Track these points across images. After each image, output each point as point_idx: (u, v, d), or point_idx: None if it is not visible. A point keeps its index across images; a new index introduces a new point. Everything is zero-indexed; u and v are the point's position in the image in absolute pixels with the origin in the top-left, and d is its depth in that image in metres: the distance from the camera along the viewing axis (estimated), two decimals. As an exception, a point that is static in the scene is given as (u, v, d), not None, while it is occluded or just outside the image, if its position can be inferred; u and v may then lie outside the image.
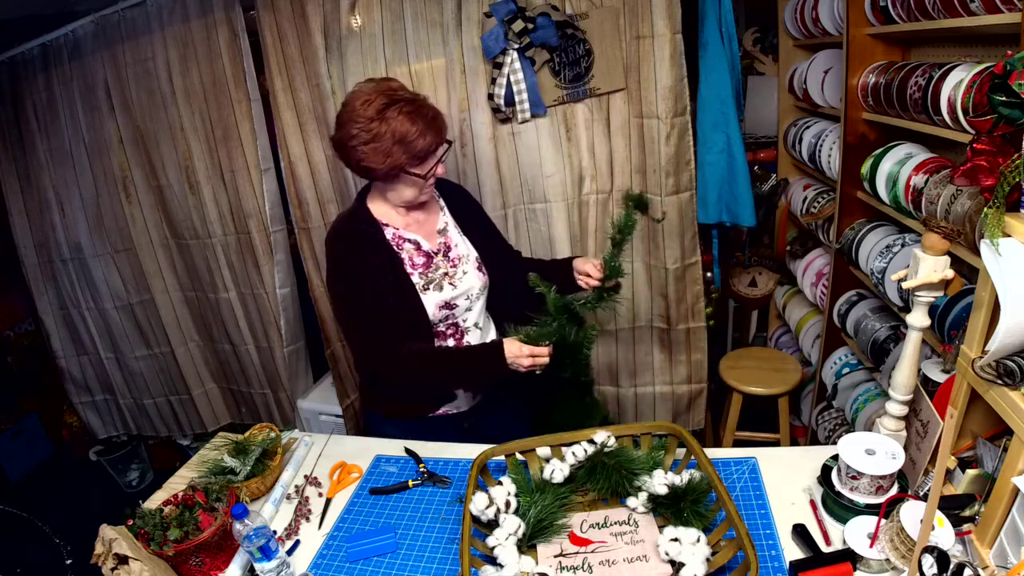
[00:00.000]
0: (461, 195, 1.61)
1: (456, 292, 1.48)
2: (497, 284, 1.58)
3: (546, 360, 1.37)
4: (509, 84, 1.77)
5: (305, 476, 1.49)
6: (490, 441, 1.33)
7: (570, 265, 1.56)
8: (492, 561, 1.07)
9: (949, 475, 1.13)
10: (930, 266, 1.07)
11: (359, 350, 1.49)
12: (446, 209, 1.55)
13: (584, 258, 1.56)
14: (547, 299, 1.45)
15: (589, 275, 1.51)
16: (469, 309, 1.52)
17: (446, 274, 1.47)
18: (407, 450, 1.51)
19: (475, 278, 1.52)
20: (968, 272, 1.44)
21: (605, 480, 1.24)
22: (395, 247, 1.44)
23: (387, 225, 1.45)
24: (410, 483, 1.40)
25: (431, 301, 1.44)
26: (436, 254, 1.48)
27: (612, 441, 1.26)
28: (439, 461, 1.47)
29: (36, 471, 3.28)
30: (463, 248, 1.53)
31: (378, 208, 1.45)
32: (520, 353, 1.36)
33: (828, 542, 1.10)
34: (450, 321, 1.50)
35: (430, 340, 1.48)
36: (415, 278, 1.43)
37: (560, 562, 1.12)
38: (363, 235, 1.42)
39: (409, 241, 1.45)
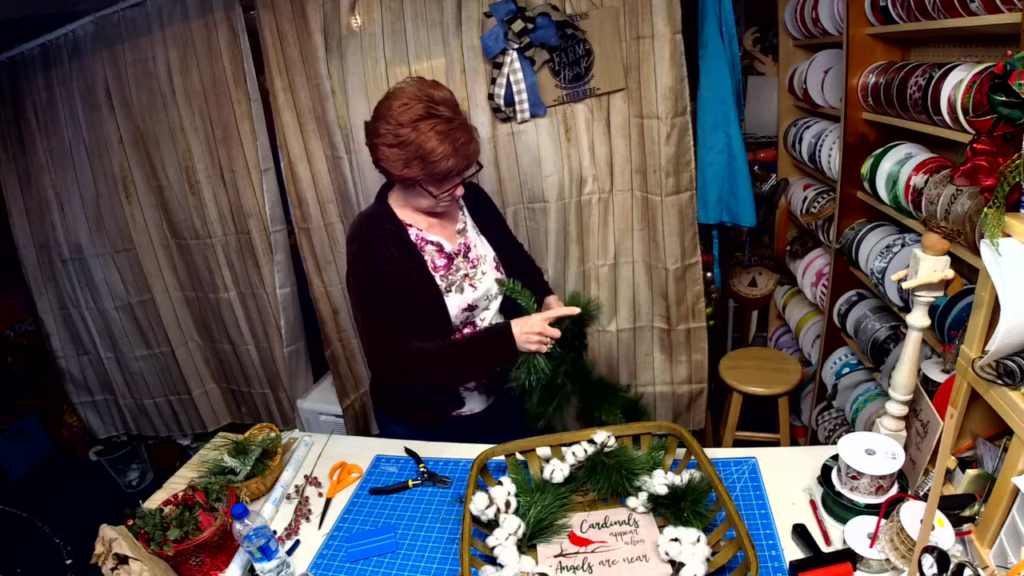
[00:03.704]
0: (479, 194, 1.59)
1: (477, 294, 1.46)
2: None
3: (557, 333, 1.34)
4: (509, 84, 1.77)
5: (305, 476, 1.49)
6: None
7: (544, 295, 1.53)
8: (492, 561, 1.07)
9: (949, 475, 1.13)
10: (930, 266, 1.07)
11: (370, 351, 1.46)
12: (465, 209, 1.54)
13: (558, 306, 1.43)
14: (525, 308, 1.42)
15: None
16: (487, 309, 1.52)
17: (466, 275, 1.46)
18: (407, 450, 1.51)
19: (493, 278, 1.51)
20: (968, 272, 1.44)
21: (605, 480, 1.24)
22: (418, 248, 1.42)
23: (410, 226, 1.42)
24: (410, 483, 1.40)
25: (453, 304, 1.42)
26: (457, 255, 1.46)
27: (612, 441, 1.26)
28: (439, 461, 1.47)
29: (36, 471, 3.28)
30: (481, 248, 1.52)
31: (400, 209, 1.43)
32: (531, 329, 1.32)
33: (828, 542, 1.10)
34: (468, 321, 1.49)
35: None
36: (437, 280, 1.42)
37: (560, 562, 1.12)
38: (388, 235, 1.39)
39: (431, 243, 1.43)
